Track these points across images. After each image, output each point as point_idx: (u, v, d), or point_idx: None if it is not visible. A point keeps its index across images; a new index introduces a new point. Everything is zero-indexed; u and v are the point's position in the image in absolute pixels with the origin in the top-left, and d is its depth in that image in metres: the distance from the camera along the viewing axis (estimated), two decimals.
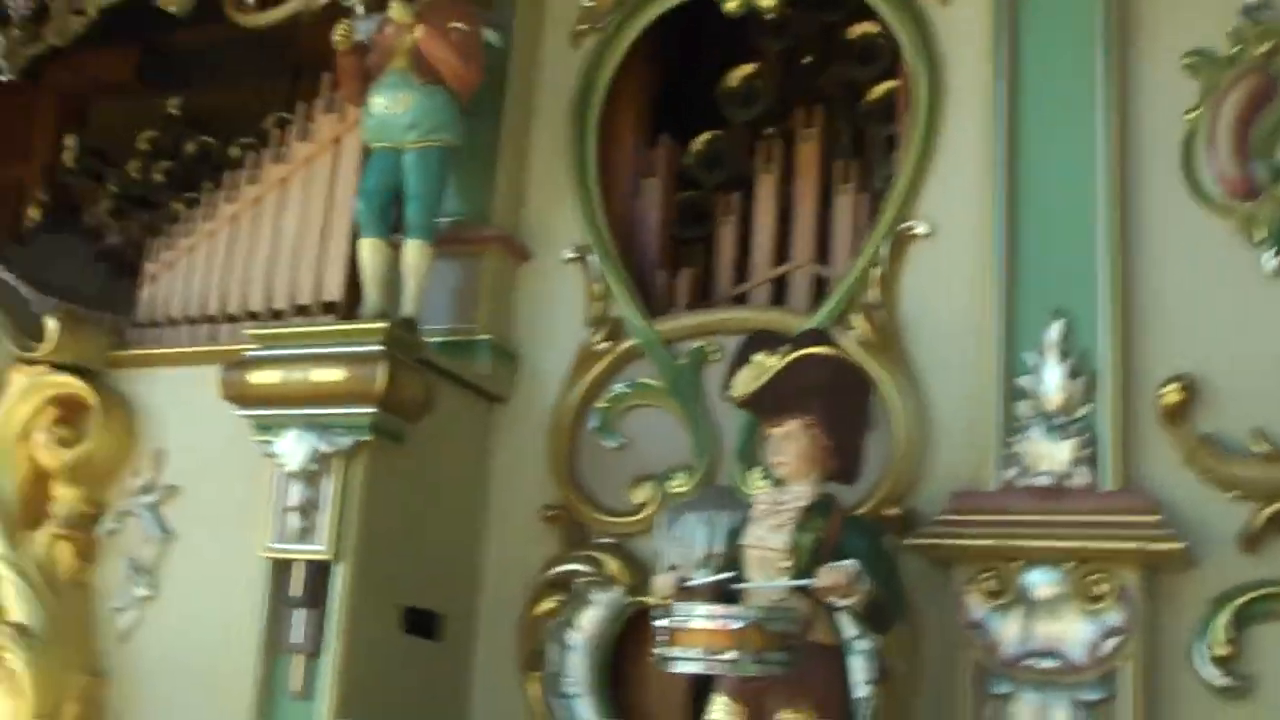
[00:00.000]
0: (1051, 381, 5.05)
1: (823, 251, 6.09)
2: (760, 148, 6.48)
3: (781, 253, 6.19)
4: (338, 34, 5.99)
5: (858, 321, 5.53)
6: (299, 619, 5.30)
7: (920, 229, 5.57)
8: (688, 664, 4.28)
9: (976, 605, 4.89)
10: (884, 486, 5.30)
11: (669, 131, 6.66)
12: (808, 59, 7.07)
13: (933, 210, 5.58)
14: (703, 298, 6.24)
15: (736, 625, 4.19)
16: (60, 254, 7.45)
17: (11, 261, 7.27)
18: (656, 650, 4.32)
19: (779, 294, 6.11)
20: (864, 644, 4.95)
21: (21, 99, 8.54)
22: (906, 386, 5.40)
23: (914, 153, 5.65)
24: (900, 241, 5.58)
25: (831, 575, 4.29)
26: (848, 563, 4.31)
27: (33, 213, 9.09)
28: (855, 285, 5.59)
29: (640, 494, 5.79)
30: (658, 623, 4.35)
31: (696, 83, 6.96)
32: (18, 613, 5.95)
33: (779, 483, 4.75)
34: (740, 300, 6.14)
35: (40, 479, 6.21)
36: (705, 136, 6.91)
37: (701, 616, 4.26)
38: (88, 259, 7.41)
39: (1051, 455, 4.99)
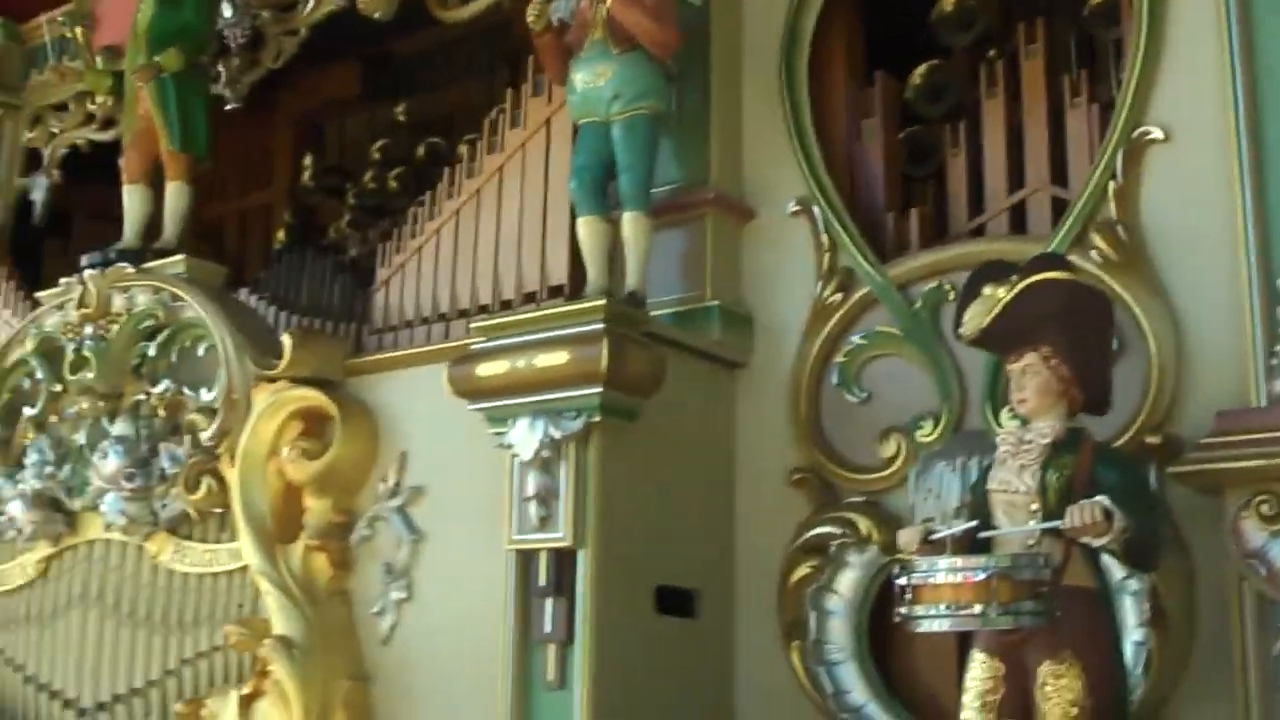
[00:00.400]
0: None
1: (1059, 172, 5.78)
2: (983, 72, 6.19)
3: (1016, 179, 5.90)
4: (531, 14, 5.90)
5: (1098, 240, 5.25)
6: (548, 609, 5.28)
7: (1155, 134, 5.26)
8: (933, 622, 4.10)
9: (1253, 532, 4.55)
10: (1141, 414, 5.03)
11: (884, 68, 6.42)
12: None
13: (1167, 113, 5.29)
14: (938, 235, 5.99)
15: (981, 576, 3.98)
16: (305, 272, 7.51)
17: (260, 283, 7.43)
18: (901, 610, 4.12)
19: (1018, 223, 5.82)
20: (1132, 584, 4.70)
21: (260, 129, 8.77)
22: (1156, 305, 5.11)
23: (1141, 55, 5.36)
24: (1135, 150, 5.29)
25: (1081, 514, 4.04)
26: (1098, 499, 4.04)
27: (280, 235, 9.32)
28: (1092, 202, 5.31)
29: (888, 447, 5.62)
30: (899, 581, 4.14)
31: (909, 13, 6.69)
32: (280, 625, 6.03)
33: (1025, 421, 4.49)
34: (978, 234, 5.88)
35: (291, 493, 6.28)
36: (923, 68, 6.69)
37: (943, 570, 4.07)
38: (331, 273, 7.44)
39: None
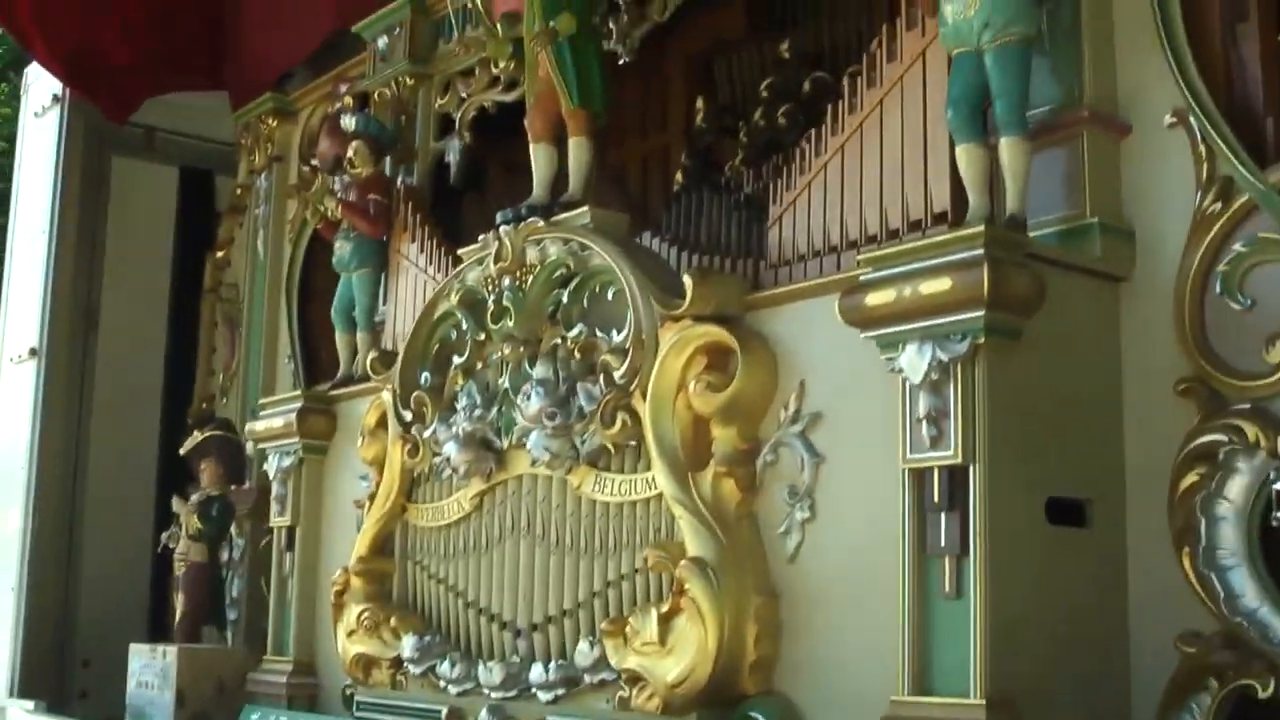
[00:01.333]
0: None
1: None
2: None
3: None
4: None
5: None
6: (942, 523, 5.50)
7: None
8: None
9: None
10: None
11: None
12: None
13: None
14: None
15: None
16: (703, 211, 7.88)
17: (661, 225, 7.84)
18: (1277, 514, 4.24)
19: None
20: None
21: (652, 74, 9.13)
22: None
23: None
24: None
25: None
26: None
27: (679, 176, 9.72)
28: None
29: (1275, 353, 5.59)
30: (1276, 486, 4.26)
31: None
32: (694, 547, 6.37)
33: None
34: None
35: (699, 424, 6.61)
36: None
37: None
38: (728, 211, 7.77)
39: None
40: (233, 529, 10.98)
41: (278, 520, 9.52)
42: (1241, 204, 5.79)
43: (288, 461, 9.43)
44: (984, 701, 5.29)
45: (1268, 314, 5.68)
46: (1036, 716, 5.44)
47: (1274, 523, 4.37)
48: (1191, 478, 5.68)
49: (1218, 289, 5.82)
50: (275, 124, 12.10)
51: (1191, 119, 5.97)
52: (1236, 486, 5.56)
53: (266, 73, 12.06)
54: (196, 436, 11.13)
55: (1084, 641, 5.72)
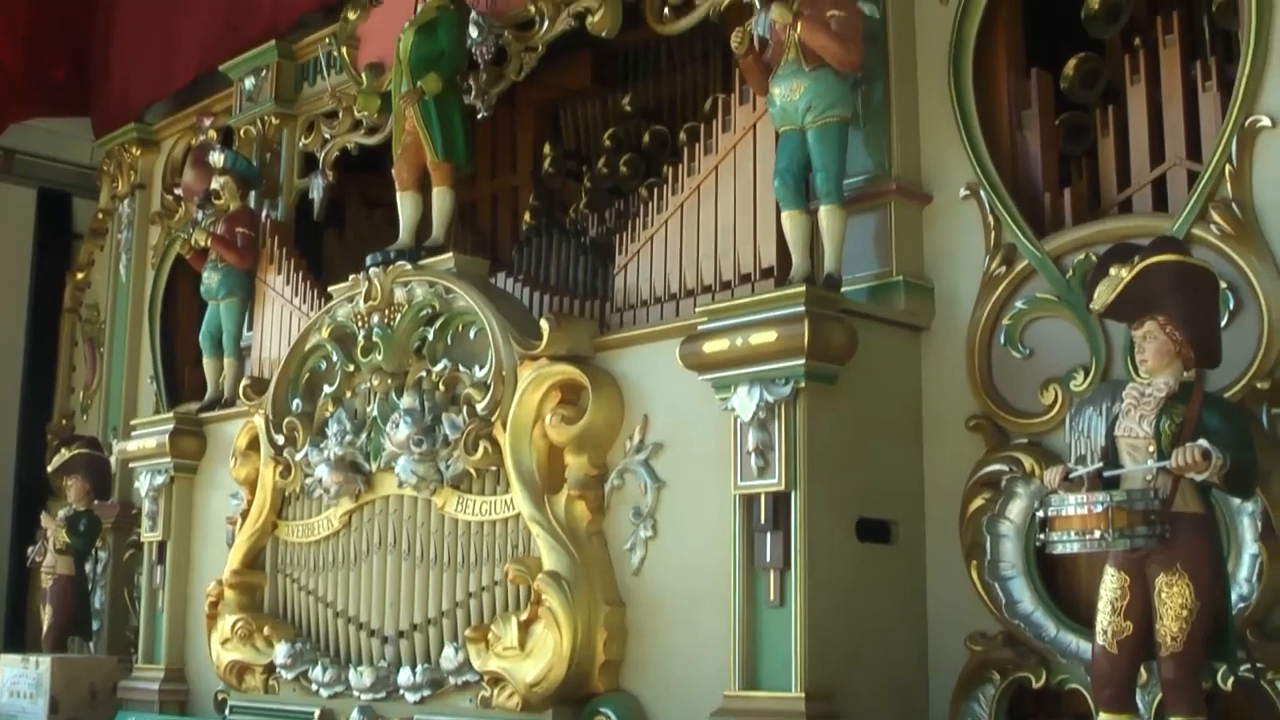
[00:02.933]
0: None
1: (1194, 149, 6.58)
2: (1127, 61, 6.95)
3: (1157, 155, 6.71)
4: (735, 40, 6.87)
5: (1217, 216, 6.09)
6: (768, 541, 6.30)
7: (1264, 122, 6.08)
8: (1065, 545, 5.11)
9: None
10: (1254, 363, 5.90)
11: (1041, 60, 7.24)
12: None
13: (1275, 102, 6.07)
14: (1091, 209, 6.82)
15: (1100, 508, 4.99)
16: (552, 253, 8.60)
17: (513, 264, 8.57)
18: (1040, 535, 5.16)
19: (1159, 194, 6.66)
20: (1248, 507, 5.65)
21: (504, 118, 9.82)
22: (1266, 270, 5.97)
23: (1251, 50, 6.14)
24: (1247, 137, 6.10)
25: (1183, 455, 4.99)
26: (1199, 442, 5.00)
27: (527, 217, 10.46)
28: (1211, 182, 6.15)
29: (1048, 396, 6.53)
30: (1039, 513, 5.19)
31: (1063, 10, 7.50)
32: (550, 562, 7.08)
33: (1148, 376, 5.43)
34: (1125, 207, 6.73)
35: (554, 452, 7.32)
36: (1076, 59, 7.44)
37: (1073, 504, 5.07)
38: (576, 254, 8.49)
39: None
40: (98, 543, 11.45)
41: (149, 535, 10.04)
42: (1023, 267, 6.71)
43: (159, 480, 9.95)
44: (804, 695, 6.12)
45: (1043, 362, 6.61)
46: (849, 707, 6.28)
47: (1037, 543, 5.26)
48: (979, 501, 6.61)
49: (1002, 340, 6.74)
50: (138, 153, 12.61)
51: (982, 192, 6.88)
52: (1016, 509, 6.50)
53: (132, 105, 12.57)
54: (64, 454, 11.47)
55: (889, 642, 6.58)
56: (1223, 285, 5.70)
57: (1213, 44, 7.17)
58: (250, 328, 10.18)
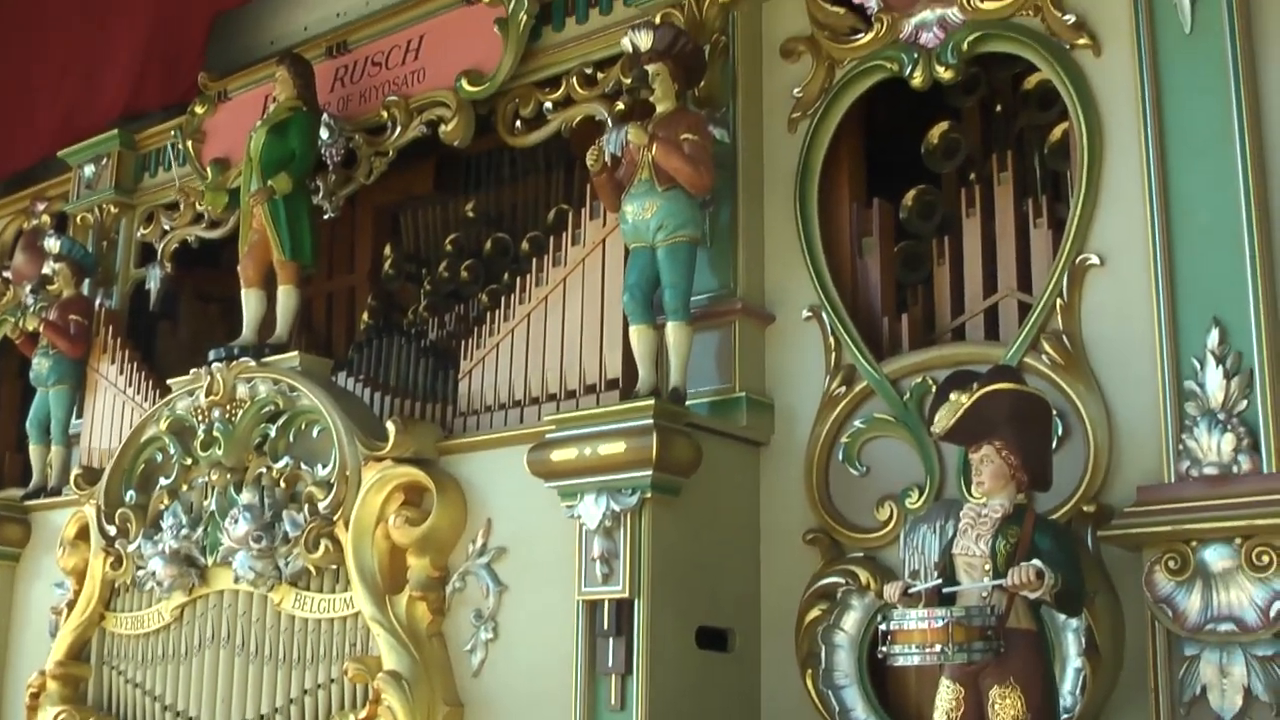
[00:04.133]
0: (1213, 382, 5.90)
1: (1025, 281, 6.94)
2: (963, 195, 7.31)
3: (990, 286, 7.06)
4: (590, 158, 7.08)
5: (1048, 347, 6.40)
6: (611, 647, 6.43)
7: (1093, 260, 6.43)
8: (907, 658, 5.32)
9: (1163, 582, 5.75)
10: (1081, 487, 6.20)
11: (883, 190, 7.57)
12: (998, 108, 7.93)
13: (1103, 241, 6.42)
14: (927, 333, 7.13)
15: (940, 623, 5.21)
16: (392, 354, 8.68)
17: (353, 364, 8.64)
18: (882, 648, 5.38)
19: (991, 322, 7.00)
20: (1073, 623, 5.93)
21: (344, 219, 9.86)
22: (1093, 399, 6.29)
23: (1082, 190, 6.50)
24: (1077, 272, 6.45)
25: (1019, 574, 5.23)
26: (1033, 562, 5.26)
27: (365, 317, 10.53)
28: (1043, 315, 6.47)
29: (884, 512, 6.77)
30: (881, 626, 5.41)
31: (903, 144, 7.85)
32: (390, 661, 7.12)
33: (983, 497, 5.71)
34: (959, 334, 7.06)
35: (396, 553, 7.39)
36: (915, 191, 7.75)
37: (914, 619, 5.29)
38: (416, 356, 8.58)
39: (1217, 447, 5.85)
40: None
41: None
42: (862, 388, 6.96)
43: None
44: None
45: (879, 479, 6.85)
46: None
47: (880, 655, 5.47)
48: (815, 612, 6.80)
49: (840, 457, 6.97)
50: None
51: (824, 314, 7.14)
52: (851, 620, 6.71)
53: None
54: None
55: None
56: (1054, 413, 5.96)
57: (1044, 183, 7.52)
58: (79, 416, 10.07)
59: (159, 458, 8.75)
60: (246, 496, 7.97)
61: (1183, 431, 5.93)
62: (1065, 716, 5.83)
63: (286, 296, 8.60)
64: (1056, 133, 7.43)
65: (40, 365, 10.15)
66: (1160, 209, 6.16)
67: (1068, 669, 5.99)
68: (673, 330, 6.93)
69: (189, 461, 8.44)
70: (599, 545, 6.54)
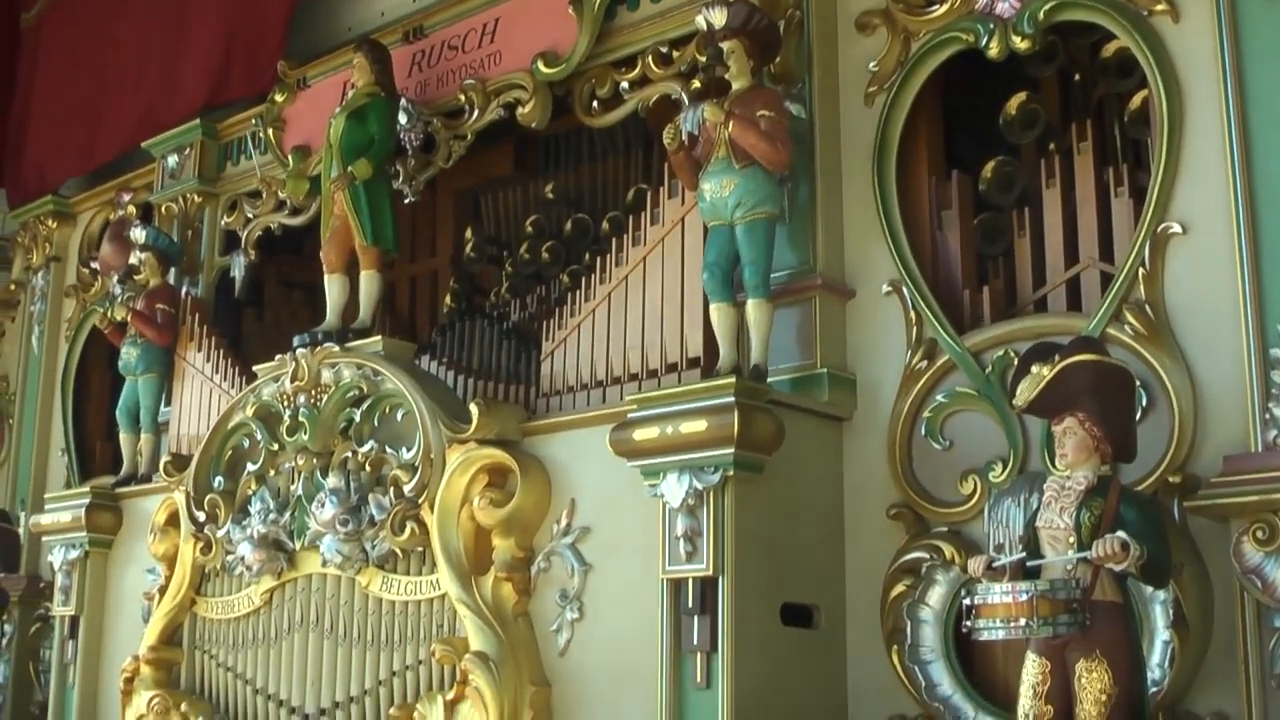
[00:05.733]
0: None
1: (1107, 251, 6.89)
2: (1043, 166, 7.27)
3: (1072, 257, 7.01)
4: (667, 136, 7.09)
5: (1130, 317, 6.36)
6: (695, 625, 6.46)
7: (1175, 229, 6.38)
8: (991, 632, 5.31)
9: (1251, 552, 5.71)
10: (1166, 458, 6.16)
11: (962, 162, 7.55)
12: (1077, 77, 7.86)
13: (1185, 210, 6.37)
14: (1008, 307, 7.10)
15: (1025, 597, 5.19)
16: (475, 337, 8.72)
17: (436, 347, 8.69)
18: (966, 623, 5.36)
19: (1074, 294, 6.96)
20: (1161, 595, 5.89)
21: (425, 203, 9.93)
22: (1177, 369, 6.24)
23: (1163, 160, 6.44)
24: (1159, 242, 6.39)
25: (1103, 547, 5.22)
26: (1118, 534, 5.23)
27: (447, 301, 10.60)
28: (1125, 285, 6.43)
29: (967, 486, 6.75)
30: (965, 601, 5.40)
31: (982, 116, 7.79)
32: (477, 642, 7.18)
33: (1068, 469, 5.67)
34: (1040, 306, 7.02)
35: (481, 534, 7.44)
36: (993, 163, 7.67)
37: (998, 593, 5.28)
38: (498, 339, 8.61)
39: None
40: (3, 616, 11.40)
41: (61, 610, 10.00)
42: (944, 362, 6.94)
43: (74, 554, 9.93)
44: None
45: (962, 454, 6.84)
46: None
47: (964, 629, 5.46)
48: (900, 587, 6.80)
49: (923, 431, 6.96)
50: (54, 225, 12.62)
51: (904, 289, 7.12)
52: (936, 595, 6.70)
53: (50, 178, 12.60)
54: None
55: None
56: (1137, 383, 5.92)
57: (1124, 152, 7.46)
58: (168, 404, 10.21)
59: (246, 444, 8.85)
60: (332, 480, 8.03)
61: (1269, 400, 5.89)
62: (1153, 689, 5.80)
63: (369, 281, 8.67)
64: (1136, 100, 7.35)
65: (129, 354, 10.29)
66: (1242, 176, 6.13)
67: (1155, 641, 5.94)
68: (753, 308, 6.93)
69: (275, 447, 8.54)
70: (682, 524, 6.56)
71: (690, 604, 6.50)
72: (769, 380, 6.90)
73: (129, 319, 10.22)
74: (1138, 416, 5.95)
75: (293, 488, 8.37)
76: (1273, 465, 5.77)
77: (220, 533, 8.69)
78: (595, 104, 8.34)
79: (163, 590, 9.11)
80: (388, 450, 7.94)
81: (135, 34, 11.62)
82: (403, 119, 8.89)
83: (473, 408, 7.49)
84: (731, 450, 6.44)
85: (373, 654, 7.81)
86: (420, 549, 7.68)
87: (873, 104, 7.42)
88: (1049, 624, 5.20)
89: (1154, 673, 5.88)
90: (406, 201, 9.05)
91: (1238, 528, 5.77)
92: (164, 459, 9.35)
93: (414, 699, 7.52)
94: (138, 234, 10.45)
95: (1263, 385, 5.91)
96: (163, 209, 10.97)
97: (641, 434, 6.73)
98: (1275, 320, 5.92)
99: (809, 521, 6.95)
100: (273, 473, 8.58)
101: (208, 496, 8.82)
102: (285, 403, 8.44)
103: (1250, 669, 5.73)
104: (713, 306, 7.01)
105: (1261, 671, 5.69)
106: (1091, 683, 5.28)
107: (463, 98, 8.81)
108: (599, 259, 7.86)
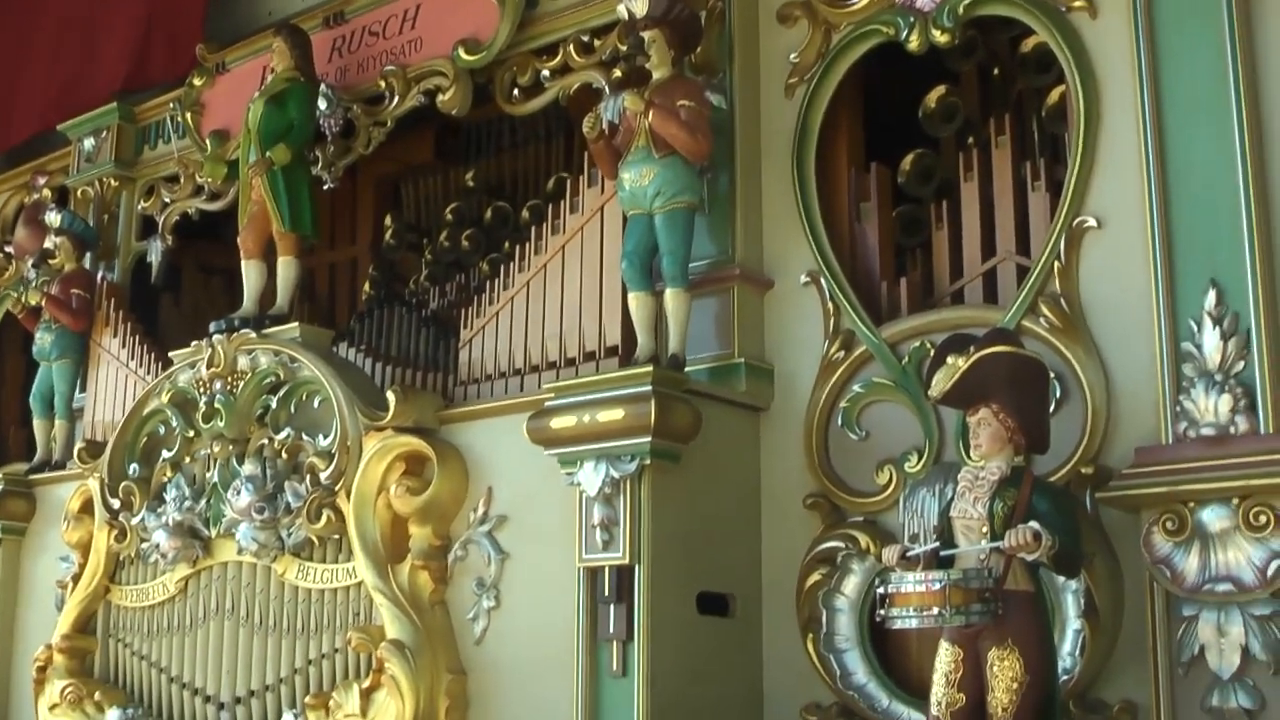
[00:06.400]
0: (1210, 344, 5.90)
1: (1024, 243, 6.93)
2: (961, 158, 7.30)
3: (989, 249, 7.04)
4: (587, 125, 7.08)
5: (1045, 310, 6.41)
6: (612, 613, 6.47)
7: (1090, 222, 6.43)
8: (905, 621, 5.34)
9: (1161, 543, 5.78)
10: (1079, 449, 6.22)
11: (881, 155, 7.58)
12: (996, 72, 7.92)
13: (1101, 204, 6.42)
14: (925, 298, 7.13)
15: (938, 586, 5.22)
16: (393, 325, 8.69)
17: (354, 334, 8.64)
18: (880, 611, 5.39)
19: (990, 286, 6.99)
20: (1072, 585, 5.95)
21: (345, 190, 9.89)
22: (1091, 362, 6.29)
23: (1079, 155, 6.49)
24: (1074, 235, 6.44)
25: (1016, 536, 5.25)
26: (1030, 524, 5.27)
27: (366, 288, 10.55)
28: (1041, 278, 6.48)
29: (883, 476, 6.79)
30: (879, 590, 5.43)
31: (901, 109, 7.85)
32: (393, 631, 7.16)
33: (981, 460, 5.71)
34: (957, 298, 7.06)
35: (398, 523, 7.41)
36: (913, 155, 7.77)
37: (911, 582, 5.31)
38: (417, 326, 8.59)
39: (1214, 408, 5.86)
40: None
41: None
42: (861, 353, 6.97)
43: None
44: None
45: (879, 444, 6.87)
46: None
47: (878, 618, 5.49)
48: (816, 576, 6.83)
49: (839, 422, 6.99)
50: None
51: (822, 279, 7.15)
52: (851, 584, 6.73)
53: None
54: None
55: (728, 713, 6.76)
56: (1051, 375, 5.97)
57: (1042, 146, 7.53)
58: (82, 389, 10.10)
59: (161, 430, 8.77)
60: (248, 468, 7.98)
61: (1180, 393, 5.94)
62: (1064, 677, 5.87)
63: (286, 268, 8.60)
64: (1054, 95, 7.44)
65: (43, 340, 10.17)
66: (1157, 171, 6.16)
67: (1067, 630, 6.01)
68: (671, 297, 6.93)
69: (191, 434, 8.47)
70: (599, 512, 6.56)
71: (606, 593, 6.50)
72: (687, 370, 6.89)
73: (43, 304, 10.10)
74: (1051, 408, 5.98)
75: (208, 475, 8.31)
76: (1183, 457, 5.83)
77: (135, 520, 8.60)
78: (516, 92, 8.31)
79: (76, 578, 9.01)
80: (304, 437, 7.89)
81: (54, 13, 11.45)
82: (322, 105, 8.82)
83: (390, 395, 7.45)
84: (648, 439, 6.44)
85: (289, 642, 7.76)
86: (336, 537, 7.64)
87: (793, 95, 7.43)
88: (962, 613, 5.24)
89: (1065, 661, 5.94)
90: (326, 188, 8.97)
91: (1148, 518, 5.82)
92: (78, 445, 9.23)
93: (330, 687, 7.48)
94: (53, 218, 10.33)
95: (1174, 378, 5.96)
96: (79, 192, 10.82)
97: (559, 422, 6.72)
98: (1187, 314, 5.97)
99: (726, 511, 6.96)
100: (188, 460, 8.51)
101: (122, 483, 8.72)
102: (201, 389, 8.38)
103: (1159, 658, 5.78)
104: (631, 295, 7.01)
105: (1170, 660, 5.75)
106: (1003, 671, 5.32)
107: (383, 84, 8.73)
108: (519, 247, 7.83)
